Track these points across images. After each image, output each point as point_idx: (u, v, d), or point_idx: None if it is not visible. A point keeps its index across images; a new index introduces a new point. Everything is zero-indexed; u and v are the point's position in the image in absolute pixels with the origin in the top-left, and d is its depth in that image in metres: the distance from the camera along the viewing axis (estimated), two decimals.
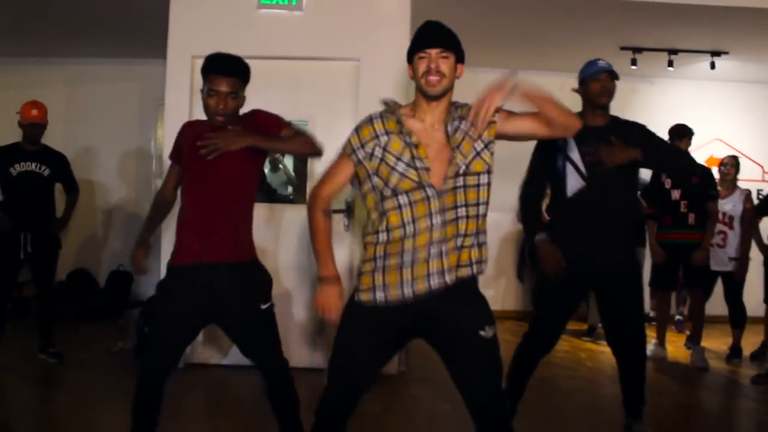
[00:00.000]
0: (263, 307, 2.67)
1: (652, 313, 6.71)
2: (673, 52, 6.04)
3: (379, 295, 2.14)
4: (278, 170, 7.13)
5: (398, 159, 2.14)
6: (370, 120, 2.22)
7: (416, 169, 2.12)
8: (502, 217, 6.81)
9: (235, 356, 4.50)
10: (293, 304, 4.67)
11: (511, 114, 2.24)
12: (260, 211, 4.80)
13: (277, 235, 4.74)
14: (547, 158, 3.21)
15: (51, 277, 4.71)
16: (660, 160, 3.39)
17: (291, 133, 2.70)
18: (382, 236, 2.13)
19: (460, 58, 2.19)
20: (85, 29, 5.98)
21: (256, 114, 2.74)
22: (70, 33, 6.15)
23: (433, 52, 2.14)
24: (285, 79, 4.63)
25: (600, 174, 3.07)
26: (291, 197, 5.05)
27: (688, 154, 3.12)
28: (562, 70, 6.60)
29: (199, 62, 4.50)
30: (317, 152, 2.75)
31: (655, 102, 7.17)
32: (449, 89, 2.18)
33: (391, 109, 2.24)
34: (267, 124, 2.69)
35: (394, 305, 2.13)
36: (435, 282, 2.10)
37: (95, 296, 6.46)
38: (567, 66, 6.73)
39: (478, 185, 2.16)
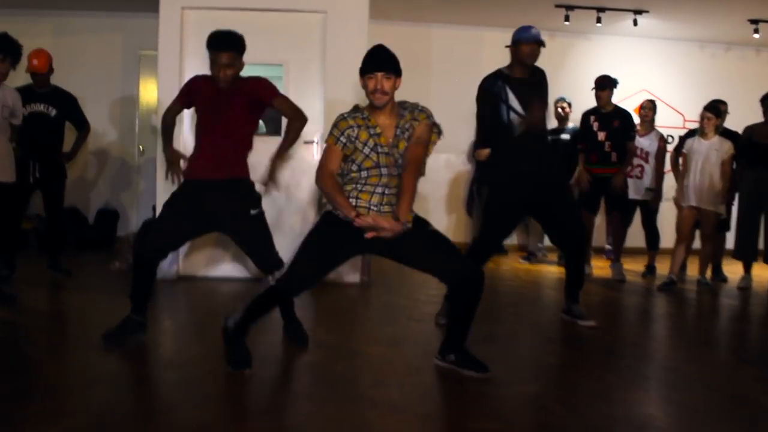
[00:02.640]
0: (253, 212, 3.45)
1: None
2: (601, 10, 6.85)
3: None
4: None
5: (365, 145, 2.94)
6: (343, 117, 3.01)
7: (377, 153, 2.94)
8: (453, 158, 7.66)
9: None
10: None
11: (418, 137, 3.01)
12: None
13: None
14: (494, 108, 4.00)
15: (60, 201, 5.29)
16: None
17: (285, 105, 3.48)
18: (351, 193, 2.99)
19: (398, 75, 2.97)
20: None
21: (257, 82, 3.47)
22: None
23: (379, 75, 2.91)
24: (263, 28, 5.28)
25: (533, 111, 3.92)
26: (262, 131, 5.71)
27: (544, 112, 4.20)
28: (504, 26, 7.40)
29: (189, 13, 5.23)
30: (301, 127, 3.57)
31: (589, 56, 8.01)
32: (391, 100, 2.98)
33: (357, 109, 3.06)
34: (263, 93, 3.45)
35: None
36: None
37: (86, 230, 7.10)
38: (510, 22, 7.51)
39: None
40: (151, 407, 2.67)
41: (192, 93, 3.51)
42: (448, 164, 7.77)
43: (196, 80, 3.56)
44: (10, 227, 4.79)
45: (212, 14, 5.23)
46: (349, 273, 5.41)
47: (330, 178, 2.96)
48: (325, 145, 3.05)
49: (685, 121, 8.18)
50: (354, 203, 2.94)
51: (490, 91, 4.00)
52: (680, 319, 4.90)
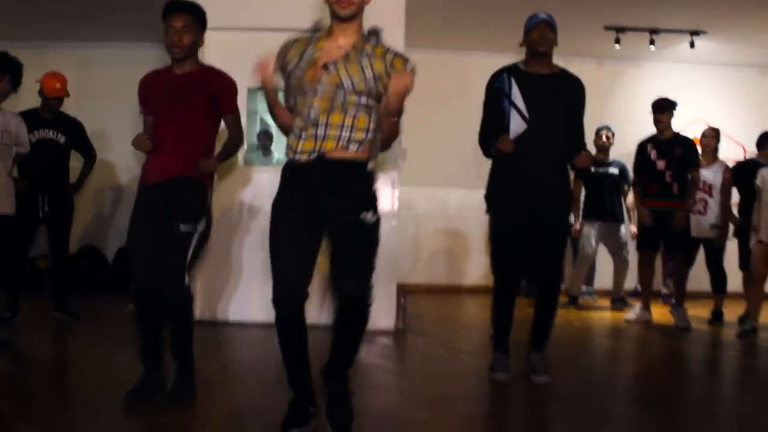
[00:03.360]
0: (183, 228, 2.84)
1: (639, 287, 7.00)
2: (654, 31, 6.33)
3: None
4: (270, 155, 7.40)
5: (294, 70, 2.40)
6: (284, 44, 2.50)
7: (298, 73, 2.38)
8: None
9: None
10: None
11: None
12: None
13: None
14: (495, 105, 3.46)
15: (66, 239, 4.92)
16: (569, 124, 3.50)
17: (236, 123, 3.06)
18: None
19: None
20: (95, 13, 6.21)
21: (226, 81, 3.01)
22: (81, 17, 6.37)
23: None
24: None
25: (542, 119, 3.35)
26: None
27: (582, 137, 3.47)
28: None
29: (211, 35, 4.80)
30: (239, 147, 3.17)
31: (640, 85, 7.50)
32: (358, 13, 2.40)
33: (312, 30, 2.51)
34: (221, 96, 2.97)
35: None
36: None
37: (104, 270, 6.71)
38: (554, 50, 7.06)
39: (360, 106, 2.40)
40: None
41: (146, 93, 2.97)
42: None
43: (146, 77, 3.04)
44: (11, 265, 4.40)
45: (235, 35, 4.88)
46: (383, 318, 4.88)
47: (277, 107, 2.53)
48: None
49: (745, 152, 7.56)
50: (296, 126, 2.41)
51: (492, 86, 3.47)
52: (757, 372, 4.23)
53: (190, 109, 2.89)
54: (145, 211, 2.89)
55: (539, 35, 3.41)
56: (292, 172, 2.44)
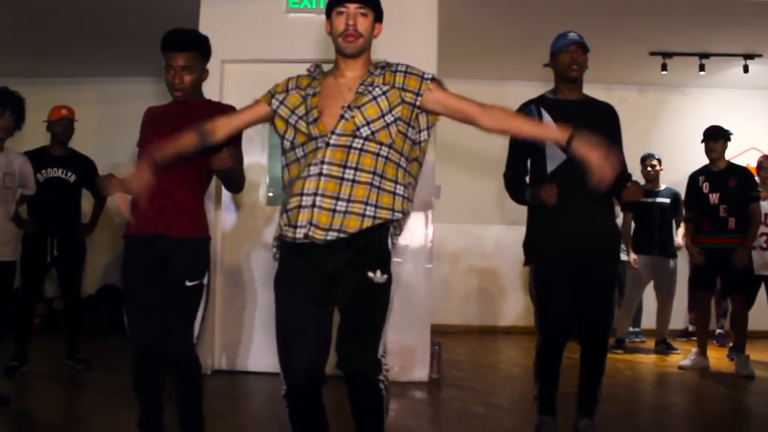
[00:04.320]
0: (189, 284, 2.58)
1: (691, 328, 6.52)
2: (704, 56, 5.94)
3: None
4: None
5: (293, 112, 2.14)
6: (288, 78, 2.25)
7: (306, 122, 2.10)
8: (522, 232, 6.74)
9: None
10: None
11: (446, 94, 2.19)
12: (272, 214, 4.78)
13: None
14: (522, 144, 3.03)
15: (77, 282, 4.68)
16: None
17: (237, 156, 2.65)
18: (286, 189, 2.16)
19: (379, 17, 2.18)
20: (115, 49, 6.10)
21: (219, 109, 2.68)
22: (101, 53, 6.28)
23: (352, 7, 2.10)
24: None
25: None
26: None
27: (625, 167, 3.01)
28: (588, 82, 6.58)
29: (229, 67, 4.63)
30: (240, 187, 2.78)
31: (687, 112, 7.08)
32: (366, 49, 2.16)
33: (315, 68, 2.24)
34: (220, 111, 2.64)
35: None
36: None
37: (123, 312, 6.44)
38: (594, 77, 6.70)
39: (378, 154, 2.08)
40: None
41: (151, 122, 2.74)
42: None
43: (148, 111, 2.82)
44: (20, 313, 4.15)
45: (253, 67, 4.65)
46: (417, 369, 4.51)
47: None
48: None
49: None
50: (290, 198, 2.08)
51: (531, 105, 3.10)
52: None
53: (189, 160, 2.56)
54: (140, 266, 2.58)
55: (571, 59, 3.04)
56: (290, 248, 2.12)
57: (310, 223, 2.01)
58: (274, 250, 2.19)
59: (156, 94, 6.97)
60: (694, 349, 5.24)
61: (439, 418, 3.85)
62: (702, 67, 6.08)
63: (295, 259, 2.09)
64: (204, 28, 4.63)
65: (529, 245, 3.13)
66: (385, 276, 2.04)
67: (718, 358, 5.51)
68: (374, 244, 2.06)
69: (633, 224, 5.92)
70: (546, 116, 3.01)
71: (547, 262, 3.02)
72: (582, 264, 2.98)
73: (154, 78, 6.88)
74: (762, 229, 5.16)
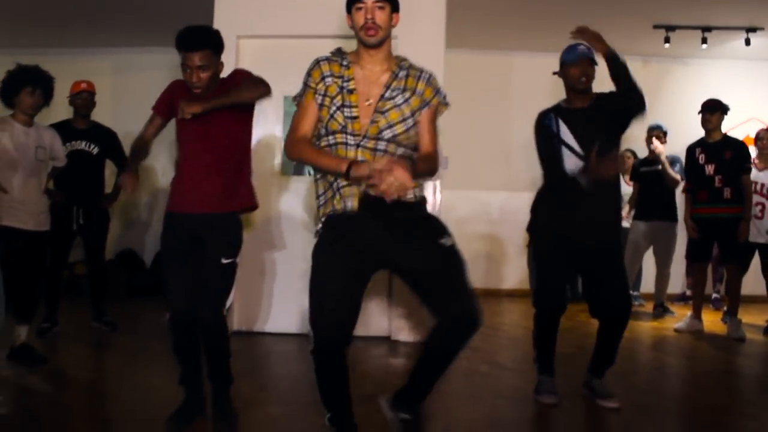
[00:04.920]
0: (224, 261, 2.80)
1: (688, 292, 6.75)
2: (707, 29, 6.05)
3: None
4: None
5: (332, 101, 2.31)
6: (318, 63, 2.38)
7: (344, 115, 2.29)
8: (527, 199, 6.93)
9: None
10: None
11: (430, 121, 2.39)
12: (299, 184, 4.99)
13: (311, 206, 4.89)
14: (548, 142, 3.30)
15: (101, 250, 4.90)
16: (623, 102, 3.26)
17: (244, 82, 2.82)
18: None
19: (395, 8, 2.35)
20: (130, 19, 6.21)
21: (234, 75, 2.92)
22: (116, 23, 6.39)
23: (369, 2, 2.28)
24: None
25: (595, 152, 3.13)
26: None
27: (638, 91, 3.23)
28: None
29: (245, 42, 4.77)
30: (265, 93, 2.87)
31: (689, 82, 7.21)
32: (386, 38, 2.34)
33: (339, 52, 2.40)
34: (237, 81, 2.85)
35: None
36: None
37: (142, 275, 6.71)
38: None
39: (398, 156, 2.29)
40: None
41: (178, 98, 2.82)
42: (519, 207, 7.03)
43: (179, 85, 2.91)
44: (49, 278, 4.38)
45: (268, 42, 4.79)
46: (424, 330, 4.75)
47: (305, 144, 2.33)
48: (297, 105, 2.42)
49: None
50: (320, 194, 2.36)
51: (541, 123, 3.33)
52: None
53: (219, 132, 2.80)
54: (181, 242, 2.81)
55: (581, 72, 3.23)
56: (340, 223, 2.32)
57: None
58: (319, 226, 2.39)
59: (169, 65, 7.10)
60: (690, 313, 5.48)
61: (446, 376, 4.11)
62: (704, 40, 6.20)
63: (340, 234, 2.30)
64: (219, 4, 4.81)
65: (532, 227, 3.38)
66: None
67: (712, 321, 5.74)
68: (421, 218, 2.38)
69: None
70: (563, 126, 3.24)
71: (547, 243, 3.28)
72: (585, 250, 3.22)
73: (167, 48, 6.99)
74: (757, 198, 5.35)
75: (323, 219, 2.36)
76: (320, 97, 2.34)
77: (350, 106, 2.30)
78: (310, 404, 2.99)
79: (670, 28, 6.07)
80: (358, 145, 2.28)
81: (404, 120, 2.31)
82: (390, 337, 4.78)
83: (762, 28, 6.06)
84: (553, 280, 3.31)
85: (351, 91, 2.30)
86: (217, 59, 2.81)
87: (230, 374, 2.97)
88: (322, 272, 2.30)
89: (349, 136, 2.28)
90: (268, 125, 4.91)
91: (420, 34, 4.73)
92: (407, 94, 2.34)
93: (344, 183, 2.28)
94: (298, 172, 4.98)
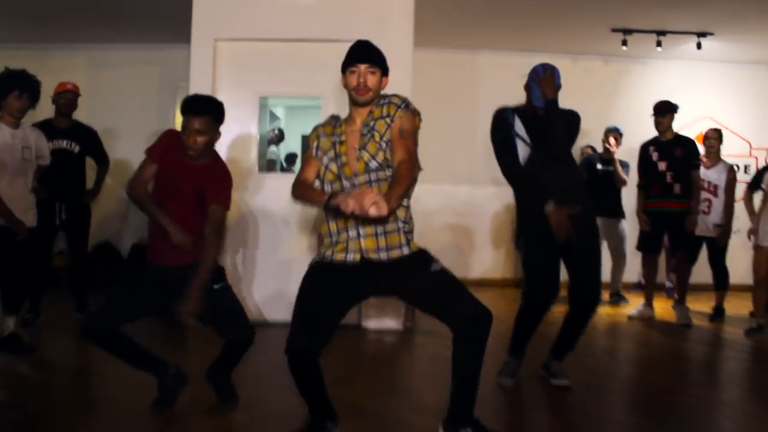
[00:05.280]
0: (215, 287, 3.02)
1: (643, 281, 7.11)
2: (662, 33, 6.39)
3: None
4: (281, 143, 7.62)
5: (325, 154, 2.61)
6: (315, 128, 2.71)
7: (337, 163, 2.58)
8: (502, 190, 7.23)
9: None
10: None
11: (400, 129, 2.59)
12: (273, 181, 5.23)
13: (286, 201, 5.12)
14: (504, 133, 3.61)
15: (84, 244, 5.10)
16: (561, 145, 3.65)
17: (218, 216, 3.00)
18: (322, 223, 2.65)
19: (385, 72, 2.62)
20: (106, 16, 6.31)
21: (218, 174, 3.05)
22: (91, 20, 6.48)
23: (362, 66, 2.55)
24: (299, 60, 5.02)
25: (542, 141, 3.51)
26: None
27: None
28: (555, 52, 6.99)
29: (222, 45, 4.98)
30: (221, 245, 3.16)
31: (646, 83, 7.57)
32: (374, 99, 2.60)
33: (333, 117, 2.71)
34: (213, 189, 3.00)
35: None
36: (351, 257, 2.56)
37: (119, 267, 6.88)
38: (561, 48, 7.13)
39: (388, 178, 2.55)
40: None
41: (170, 150, 3.02)
42: (496, 196, 7.34)
43: (174, 135, 3.07)
44: (34, 272, 4.55)
45: (245, 46, 5.00)
46: (391, 318, 5.04)
47: (302, 184, 2.62)
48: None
49: (751, 149, 7.64)
50: (327, 232, 2.61)
51: (499, 116, 3.64)
52: (756, 376, 4.35)
53: (183, 192, 3.00)
54: (153, 291, 3.03)
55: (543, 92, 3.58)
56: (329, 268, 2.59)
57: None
58: (317, 258, 2.65)
59: (143, 61, 7.28)
60: (642, 301, 5.85)
61: (412, 361, 4.42)
62: (659, 44, 6.55)
63: (335, 275, 2.57)
64: (198, 7, 5.00)
65: (520, 228, 3.69)
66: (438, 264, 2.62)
67: (664, 308, 6.12)
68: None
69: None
70: (517, 121, 3.56)
71: (537, 242, 3.56)
72: (569, 243, 3.50)
73: (142, 45, 7.17)
74: (704, 195, 5.71)
75: (323, 259, 2.61)
76: (316, 152, 2.64)
77: (341, 155, 2.58)
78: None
79: (627, 32, 6.40)
80: (353, 185, 2.55)
81: (379, 146, 2.56)
82: (360, 325, 5.04)
83: (712, 33, 6.41)
84: (545, 280, 3.59)
85: (342, 143, 2.59)
86: (216, 127, 3.02)
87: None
88: (309, 288, 2.57)
89: (344, 181, 2.56)
90: (244, 124, 5.12)
91: (389, 34, 4.97)
92: (374, 123, 2.59)
93: (351, 236, 2.55)
94: (272, 168, 5.22)
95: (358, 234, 2.55)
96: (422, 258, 2.63)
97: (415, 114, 2.63)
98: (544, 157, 3.53)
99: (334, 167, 2.59)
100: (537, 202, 3.51)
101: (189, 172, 2.99)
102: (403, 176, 2.46)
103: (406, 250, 2.59)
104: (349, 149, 2.59)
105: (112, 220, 7.10)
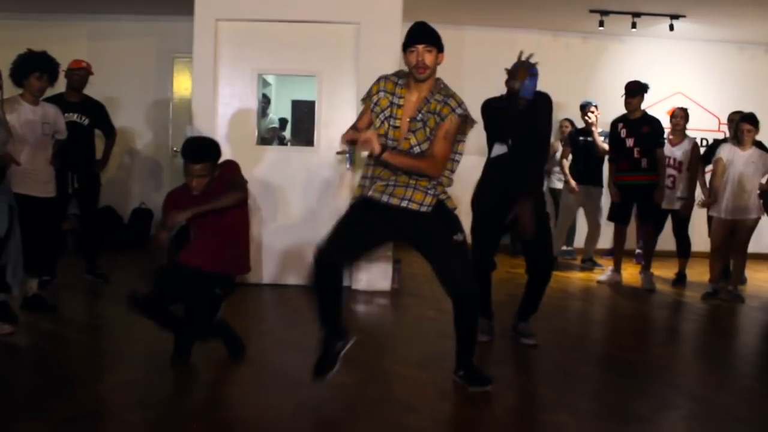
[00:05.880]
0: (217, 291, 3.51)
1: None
2: (637, 15, 6.76)
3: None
4: (266, 116, 7.95)
5: (382, 111, 2.98)
6: (378, 80, 3.07)
7: (389, 125, 2.97)
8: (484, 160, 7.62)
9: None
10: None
11: (446, 131, 2.96)
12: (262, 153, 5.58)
13: (284, 173, 5.50)
14: (492, 123, 4.00)
15: (95, 210, 5.48)
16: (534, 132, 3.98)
17: (237, 176, 3.46)
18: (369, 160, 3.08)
19: (440, 49, 2.97)
20: None
21: (226, 169, 3.47)
22: None
23: (420, 47, 2.91)
24: (297, 39, 5.35)
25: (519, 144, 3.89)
26: (285, 141, 5.83)
27: (543, 141, 3.96)
28: (537, 28, 7.34)
29: (223, 25, 5.28)
30: (240, 201, 3.44)
31: (623, 59, 7.93)
32: (432, 74, 2.97)
33: (400, 73, 3.06)
34: (224, 181, 3.42)
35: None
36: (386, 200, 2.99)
37: (121, 230, 7.25)
38: (543, 24, 7.47)
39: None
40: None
41: (176, 202, 3.44)
42: (479, 165, 7.70)
43: (171, 196, 3.57)
44: (50, 238, 4.92)
45: (246, 26, 5.30)
46: (380, 280, 5.46)
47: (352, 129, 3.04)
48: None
49: (720, 124, 8.06)
50: (370, 175, 3.04)
51: (489, 106, 4.02)
52: (710, 336, 4.88)
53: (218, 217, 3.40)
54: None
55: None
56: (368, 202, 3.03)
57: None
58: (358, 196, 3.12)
59: (143, 33, 7.53)
60: (610, 267, 6.33)
61: (399, 319, 4.87)
62: (634, 25, 6.92)
63: (371, 205, 3.03)
64: None
65: (473, 200, 4.10)
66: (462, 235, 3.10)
67: (632, 274, 6.59)
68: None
69: (571, 158, 6.86)
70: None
71: (483, 214, 4.00)
72: (516, 220, 3.92)
73: (142, 16, 7.41)
74: (670, 170, 6.15)
75: (363, 196, 3.05)
76: (373, 105, 3.02)
77: (395, 118, 2.97)
78: (291, 342, 3.69)
79: (604, 13, 6.76)
80: (395, 148, 2.96)
81: (427, 137, 2.97)
82: (351, 287, 5.46)
83: (684, 16, 6.78)
84: (485, 242, 4.05)
85: (399, 107, 2.97)
86: (215, 167, 3.39)
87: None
88: (351, 214, 3.07)
89: (389, 141, 2.96)
90: (244, 100, 5.44)
91: (379, 11, 5.34)
92: (429, 116, 2.96)
93: (386, 180, 3.00)
94: (269, 143, 5.57)
95: (396, 182, 2.98)
96: (449, 225, 3.07)
97: (465, 122, 2.99)
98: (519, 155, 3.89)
99: (386, 125, 2.97)
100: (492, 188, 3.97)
101: (203, 198, 3.37)
102: (420, 162, 2.93)
103: (424, 209, 3.01)
104: (404, 116, 2.97)
105: (114, 186, 7.42)
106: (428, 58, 2.91)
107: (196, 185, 3.33)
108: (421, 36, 2.93)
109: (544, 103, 3.94)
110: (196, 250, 3.46)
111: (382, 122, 2.98)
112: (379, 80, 3.07)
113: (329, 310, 3.12)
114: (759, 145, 5.76)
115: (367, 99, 3.08)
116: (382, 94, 3.00)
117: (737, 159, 5.54)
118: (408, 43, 2.95)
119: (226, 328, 3.60)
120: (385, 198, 3.00)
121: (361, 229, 3.06)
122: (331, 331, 3.13)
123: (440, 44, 2.98)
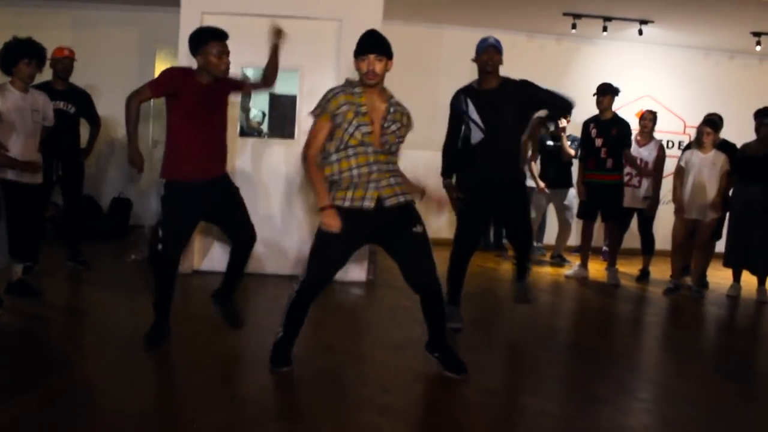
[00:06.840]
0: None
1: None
2: (608, 19, 7.01)
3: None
4: (249, 110, 8.06)
5: (350, 124, 3.11)
6: (335, 94, 3.17)
7: (361, 132, 3.11)
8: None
9: None
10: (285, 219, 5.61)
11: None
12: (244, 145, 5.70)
13: (265, 165, 5.65)
14: (457, 121, 4.27)
15: (78, 197, 5.55)
16: (542, 102, 4.36)
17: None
18: (336, 175, 3.18)
19: (389, 57, 3.17)
20: None
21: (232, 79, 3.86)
22: None
23: (371, 56, 3.11)
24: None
25: (495, 127, 4.12)
26: (264, 134, 5.97)
27: (561, 96, 4.21)
28: (513, 29, 7.55)
29: (209, 18, 5.40)
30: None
31: (595, 61, 8.18)
32: (381, 81, 3.19)
33: (349, 83, 3.23)
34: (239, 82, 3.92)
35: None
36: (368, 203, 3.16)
37: (100, 219, 7.31)
38: (518, 26, 7.69)
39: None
40: (173, 409, 2.90)
41: (174, 86, 3.62)
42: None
43: (178, 73, 3.72)
44: (35, 224, 5.00)
45: (231, 19, 5.36)
46: (355, 270, 5.63)
47: (313, 164, 3.18)
48: (314, 120, 3.21)
49: (685, 126, 8.36)
50: (347, 175, 3.15)
51: (453, 107, 4.24)
52: (669, 328, 5.15)
53: (222, 111, 3.70)
54: (196, 208, 3.66)
55: (487, 57, 4.13)
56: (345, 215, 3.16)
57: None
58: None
59: (125, 22, 7.59)
60: (578, 262, 6.57)
61: (374, 308, 5.06)
62: (605, 29, 7.17)
63: (348, 223, 3.15)
64: None
65: (458, 184, 4.30)
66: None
67: (599, 270, 6.84)
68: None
69: (539, 162, 7.09)
70: (470, 105, 4.15)
71: (468, 196, 4.21)
72: (498, 200, 4.19)
73: (125, 6, 7.46)
74: (633, 171, 6.40)
75: (337, 203, 3.16)
76: (338, 119, 3.13)
77: (365, 125, 3.11)
78: (257, 329, 3.84)
79: (577, 16, 7.00)
80: (375, 152, 3.14)
81: (398, 141, 3.22)
82: None
83: (653, 21, 7.05)
84: (471, 223, 4.28)
85: (364, 114, 3.13)
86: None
87: None
88: (327, 238, 3.18)
89: (368, 147, 3.13)
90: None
91: (361, 8, 5.50)
92: (398, 125, 3.20)
93: (376, 180, 3.16)
94: (251, 134, 5.71)
95: (378, 184, 3.15)
96: (409, 215, 3.26)
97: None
98: (497, 140, 4.15)
99: (358, 135, 3.11)
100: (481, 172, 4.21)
101: (217, 92, 3.66)
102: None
103: (409, 198, 3.26)
104: (375, 122, 3.15)
105: (93, 175, 7.46)
106: (378, 67, 3.11)
107: (226, 64, 3.61)
108: (373, 45, 3.13)
109: (514, 89, 4.14)
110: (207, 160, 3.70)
111: (352, 133, 3.11)
112: (336, 94, 3.16)
113: (297, 329, 3.37)
114: (725, 144, 6.03)
115: (322, 114, 3.16)
116: (345, 107, 3.12)
117: (698, 161, 5.81)
118: (360, 52, 3.14)
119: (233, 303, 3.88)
120: (395, 200, 3.18)
121: (340, 253, 3.25)
122: (290, 344, 3.37)
123: (390, 53, 3.17)
